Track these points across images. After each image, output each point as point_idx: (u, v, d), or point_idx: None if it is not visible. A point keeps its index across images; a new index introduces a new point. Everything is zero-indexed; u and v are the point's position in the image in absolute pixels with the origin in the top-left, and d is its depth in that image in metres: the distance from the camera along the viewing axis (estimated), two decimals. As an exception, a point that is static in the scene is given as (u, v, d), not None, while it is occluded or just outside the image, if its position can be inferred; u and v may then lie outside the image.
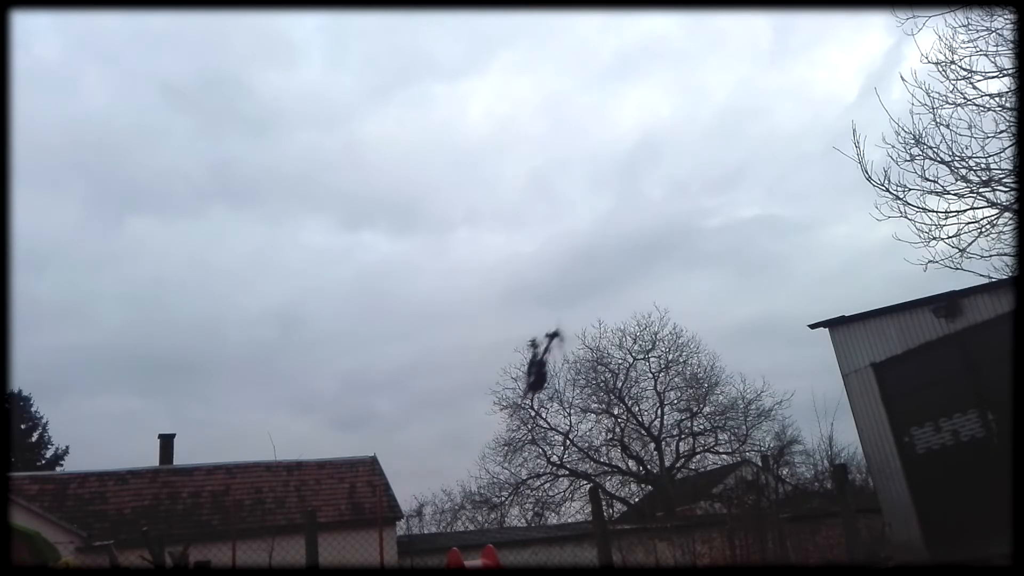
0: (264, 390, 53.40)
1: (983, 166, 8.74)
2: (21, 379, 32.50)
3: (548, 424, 30.11)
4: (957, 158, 8.89)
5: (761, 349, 49.32)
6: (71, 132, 61.17)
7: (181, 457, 23.53)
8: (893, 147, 9.40)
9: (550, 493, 29.95)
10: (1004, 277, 9.78)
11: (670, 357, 29.88)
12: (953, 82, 8.90)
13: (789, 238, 55.97)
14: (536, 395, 14.41)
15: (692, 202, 60.63)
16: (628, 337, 30.04)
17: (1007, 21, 8.30)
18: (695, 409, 29.97)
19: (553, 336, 13.64)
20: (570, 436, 30.09)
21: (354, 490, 22.12)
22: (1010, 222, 8.54)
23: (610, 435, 30.28)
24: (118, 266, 60.07)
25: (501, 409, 29.80)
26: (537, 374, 13.98)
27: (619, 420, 30.20)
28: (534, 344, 13.62)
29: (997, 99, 8.60)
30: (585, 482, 29.15)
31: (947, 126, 8.98)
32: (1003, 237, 8.71)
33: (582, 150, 67.88)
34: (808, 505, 21.56)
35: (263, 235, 64.24)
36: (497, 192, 69.09)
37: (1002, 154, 8.59)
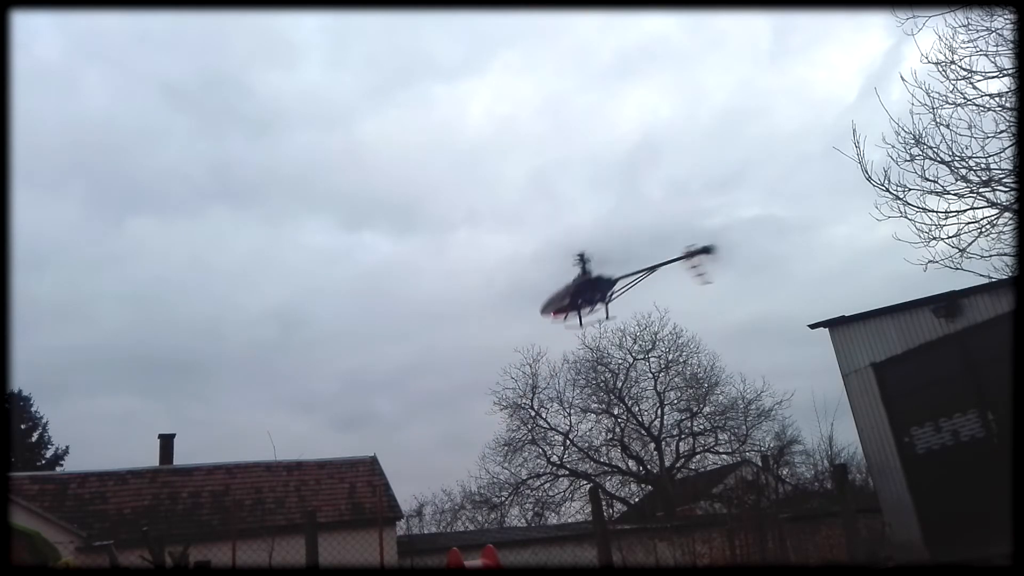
0: (264, 390, 53.39)
1: (983, 166, 8.74)
2: (21, 379, 32.47)
3: (548, 424, 30.20)
4: (957, 158, 8.89)
5: (761, 349, 49.33)
6: (72, 132, 61.20)
7: (181, 457, 23.56)
8: (893, 147, 9.42)
9: (550, 493, 30.03)
10: (1004, 277, 9.77)
11: (670, 357, 29.97)
12: (953, 82, 8.91)
13: (789, 238, 55.87)
14: (566, 317, 11.87)
15: (692, 202, 60.51)
16: (628, 337, 30.13)
17: (1007, 21, 8.30)
18: (695, 409, 30.02)
19: (701, 251, 10.89)
20: (570, 436, 30.16)
21: (354, 490, 22.12)
22: (1010, 222, 8.54)
23: (610, 435, 30.34)
24: (118, 266, 60.09)
25: (501, 409, 29.91)
26: (580, 295, 10.73)
27: (619, 420, 30.26)
28: (583, 260, 10.98)
29: (997, 99, 8.61)
30: (585, 482, 29.18)
31: (947, 126, 8.99)
32: (1003, 237, 8.72)
33: (582, 150, 67.80)
34: (808, 505, 21.59)
35: (263, 235, 64.24)
36: (497, 192, 69.09)
37: (1002, 154, 8.60)
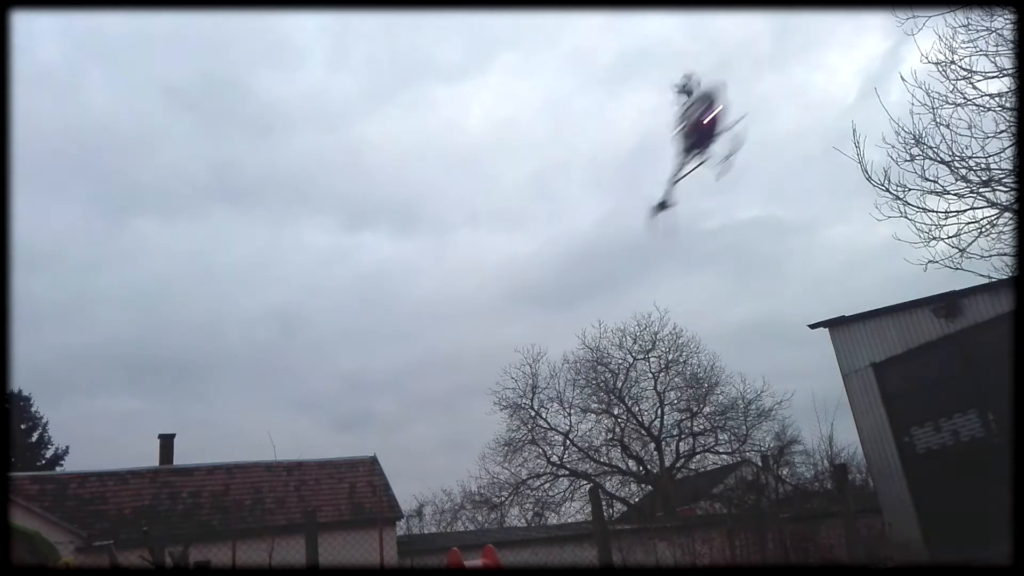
0: (264, 390, 53.39)
1: (983, 166, 8.74)
2: (21, 379, 32.54)
3: (548, 424, 30.16)
4: (957, 158, 8.89)
5: (761, 349, 49.36)
6: (74, 134, 61.24)
7: (181, 457, 23.49)
8: (893, 147, 9.41)
9: (550, 493, 29.99)
10: (1004, 277, 9.77)
11: (670, 357, 29.91)
12: (953, 82, 8.90)
13: (789, 239, 55.99)
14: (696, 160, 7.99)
15: (692, 203, 60.45)
16: (628, 337, 30.09)
17: (1007, 21, 8.29)
18: (695, 409, 29.98)
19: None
20: (570, 436, 30.13)
21: (354, 490, 22.11)
22: (1010, 222, 8.54)
23: (610, 435, 30.31)
24: (119, 267, 60.16)
25: (501, 409, 29.89)
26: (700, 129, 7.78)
27: (619, 420, 30.22)
28: (686, 88, 8.11)
29: (997, 99, 8.60)
30: (585, 482, 29.15)
31: (947, 126, 8.98)
32: (1003, 237, 8.71)
33: (582, 151, 67.88)
34: (808, 505, 21.57)
35: (265, 236, 64.26)
36: (497, 193, 69.18)
37: (1002, 154, 8.59)
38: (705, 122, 7.96)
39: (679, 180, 8.27)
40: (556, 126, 70.37)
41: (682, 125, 8.14)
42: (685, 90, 8.30)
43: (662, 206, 8.39)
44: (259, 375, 55.05)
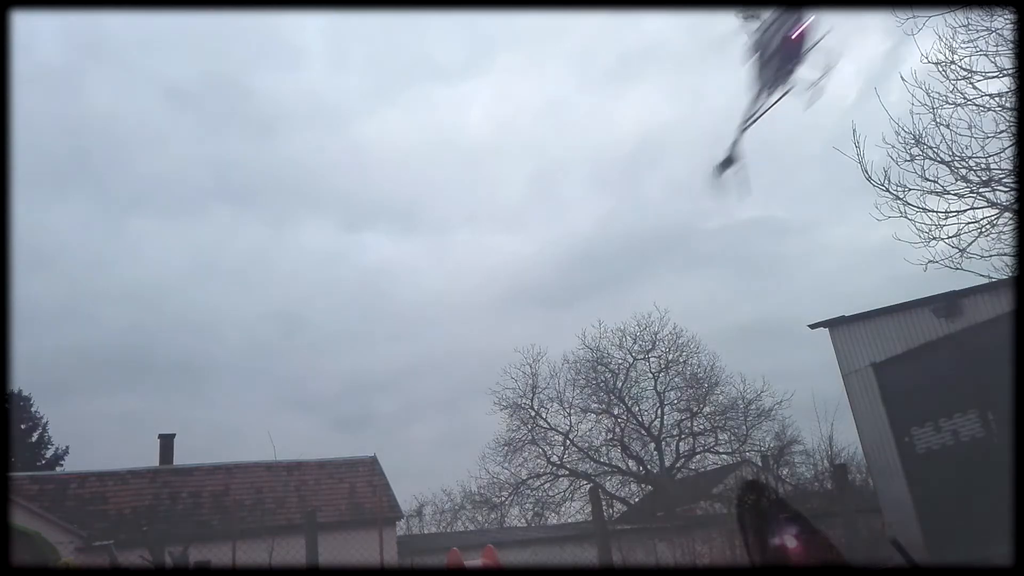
0: (265, 390, 53.39)
1: (983, 166, 8.75)
2: (21, 379, 32.49)
3: (548, 424, 30.16)
4: (957, 158, 8.90)
5: (761, 349, 49.32)
6: (74, 133, 61.19)
7: (181, 457, 23.52)
8: (893, 147, 9.42)
9: (550, 493, 29.97)
10: (1004, 277, 9.77)
11: (670, 357, 29.90)
12: (953, 82, 8.91)
13: (789, 239, 55.89)
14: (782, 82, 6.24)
15: (692, 203, 60.52)
16: (628, 337, 30.08)
17: (1007, 21, 8.29)
18: (695, 409, 29.97)
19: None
20: (570, 436, 30.12)
21: (354, 490, 22.12)
22: (1010, 222, 8.54)
23: (610, 435, 30.30)
24: (120, 266, 60.04)
25: (501, 409, 29.90)
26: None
27: (619, 420, 30.21)
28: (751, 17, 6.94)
29: (997, 99, 8.61)
30: (585, 482, 29.13)
31: (947, 126, 8.99)
32: (1003, 237, 8.72)
33: (583, 152, 67.86)
34: (808, 505, 21.56)
35: (265, 236, 64.15)
36: (498, 194, 69.05)
37: (1002, 154, 8.60)
38: (794, 36, 6.59)
39: (751, 124, 7.01)
40: (557, 126, 70.35)
41: (759, 52, 6.85)
42: (751, 17, 6.93)
43: (728, 162, 7.17)
44: (259, 375, 55.10)
